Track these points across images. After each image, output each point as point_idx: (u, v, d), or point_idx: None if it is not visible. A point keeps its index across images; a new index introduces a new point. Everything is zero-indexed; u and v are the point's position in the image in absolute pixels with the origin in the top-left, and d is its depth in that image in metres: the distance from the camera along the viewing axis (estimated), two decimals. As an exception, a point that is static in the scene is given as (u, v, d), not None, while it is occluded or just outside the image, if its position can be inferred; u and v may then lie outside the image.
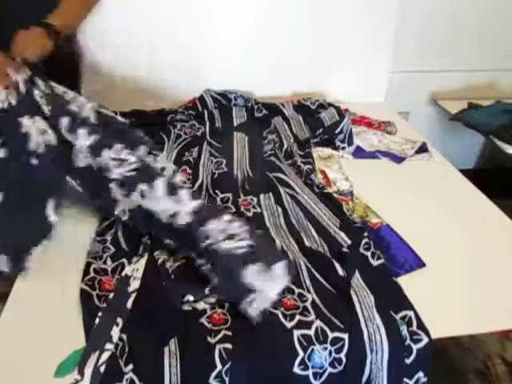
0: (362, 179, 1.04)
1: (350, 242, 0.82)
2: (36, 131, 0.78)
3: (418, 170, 1.12)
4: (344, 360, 0.64)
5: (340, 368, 0.64)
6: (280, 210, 0.91)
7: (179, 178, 0.84)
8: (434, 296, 0.74)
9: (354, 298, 0.69)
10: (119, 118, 0.91)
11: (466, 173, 1.10)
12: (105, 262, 0.77)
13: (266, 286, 0.66)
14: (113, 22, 1.26)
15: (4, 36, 0.85)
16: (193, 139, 1.19)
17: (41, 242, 0.75)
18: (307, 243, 0.82)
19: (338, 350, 0.64)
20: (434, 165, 1.15)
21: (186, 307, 0.69)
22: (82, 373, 0.60)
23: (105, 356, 0.61)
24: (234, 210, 0.91)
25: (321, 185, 0.99)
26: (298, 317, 0.66)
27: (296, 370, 0.62)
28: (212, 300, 0.69)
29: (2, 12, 0.94)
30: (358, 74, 1.48)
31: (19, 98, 0.80)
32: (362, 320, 0.66)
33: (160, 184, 0.78)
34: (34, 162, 0.77)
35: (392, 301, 0.70)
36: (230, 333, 0.64)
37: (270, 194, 0.96)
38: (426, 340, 0.65)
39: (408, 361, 0.65)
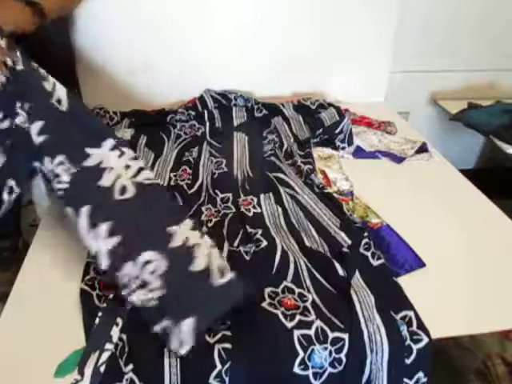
0: (362, 179, 1.04)
1: (350, 242, 0.81)
2: None
3: (418, 170, 1.12)
4: (344, 360, 0.64)
5: (340, 368, 0.64)
6: (280, 209, 0.91)
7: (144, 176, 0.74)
8: (434, 296, 0.74)
9: (355, 298, 0.69)
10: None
11: (466, 173, 1.10)
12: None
13: (175, 342, 0.60)
14: (112, 21, 1.26)
15: None
16: (193, 139, 1.20)
17: None
18: (307, 243, 0.82)
19: (338, 350, 0.64)
20: (434, 165, 1.15)
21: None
22: (81, 373, 0.60)
23: (105, 356, 0.61)
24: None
25: (321, 185, 0.99)
26: (298, 317, 0.66)
27: (296, 369, 0.62)
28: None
29: None
30: (358, 73, 1.48)
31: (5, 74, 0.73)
32: (362, 320, 0.66)
33: (84, 211, 0.68)
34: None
35: (392, 301, 0.70)
36: (229, 333, 0.64)
37: (270, 194, 0.96)
38: (426, 340, 0.65)
39: (408, 361, 0.65)
